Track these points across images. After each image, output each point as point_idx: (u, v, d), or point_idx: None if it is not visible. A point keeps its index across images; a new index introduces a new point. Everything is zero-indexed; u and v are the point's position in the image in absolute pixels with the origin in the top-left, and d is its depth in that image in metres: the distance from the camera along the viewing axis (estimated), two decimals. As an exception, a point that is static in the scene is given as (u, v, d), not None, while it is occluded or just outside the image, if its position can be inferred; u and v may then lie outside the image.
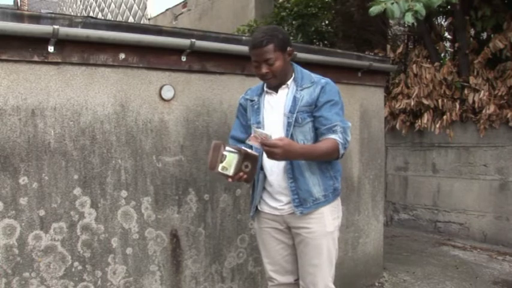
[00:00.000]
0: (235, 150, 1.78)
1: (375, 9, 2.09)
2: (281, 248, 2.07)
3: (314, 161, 1.91)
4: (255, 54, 1.89)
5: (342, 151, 1.86)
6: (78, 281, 2.13)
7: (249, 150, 1.85)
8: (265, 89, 2.03)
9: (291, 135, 1.92)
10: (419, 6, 2.04)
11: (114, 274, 2.23)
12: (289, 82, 1.97)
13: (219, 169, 1.78)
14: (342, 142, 1.85)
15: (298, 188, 1.93)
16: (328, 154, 1.85)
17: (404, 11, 2.05)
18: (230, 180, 1.82)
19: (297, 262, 2.04)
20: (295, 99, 1.93)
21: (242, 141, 2.05)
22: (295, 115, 1.91)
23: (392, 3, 2.06)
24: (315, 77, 1.99)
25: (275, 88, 1.98)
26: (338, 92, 1.96)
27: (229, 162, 1.77)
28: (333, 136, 1.85)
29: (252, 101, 2.06)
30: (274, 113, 1.98)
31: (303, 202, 1.93)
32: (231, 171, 1.78)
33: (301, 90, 1.94)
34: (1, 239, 1.95)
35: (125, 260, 2.25)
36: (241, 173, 1.80)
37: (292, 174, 1.94)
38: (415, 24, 2.16)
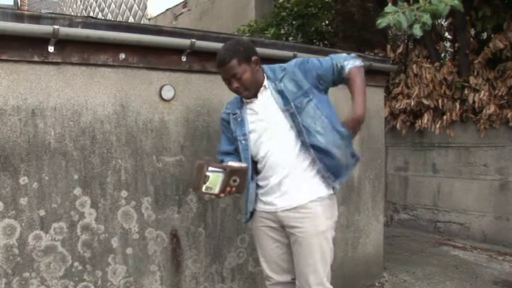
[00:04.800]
0: (220, 169, 1.81)
1: (382, 22, 2.08)
2: (276, 246, 2.08)
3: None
4: (221, 71, 1.95)
5: (359, 63, 2.00)
6: (79, 281, 2.13)
7: (236, 165, 1.88)
8: (244, 100, 2.05)
9: (300, 122, 1.93)
10: (426, 17, 2.03)
11: (114, 274, 2.23)
12: (265, 83, 1.99)
13: (203, 189, 1.82)
14: (352, 61, 1.98)
15: (330, 166, 1.97)
16: (363, 79, 1.99)
17: (411, 21, 2.05)
18: (215, 197, 1.88)
19: (293, 261, 2.04)
20: (281, 92, 1.96)
21: (232, 154, 2.08)
22: (293, 104, 1.94)
23: (398, 15, 2.05)
24: (282, 65, 2.04)
25: (254, 95, 2.00)
26: (307, 58, 2.05)
27: (214, 181, 1.81)
28: (346, 71, 1.97)
29: (234, 114, 2.07)
30: (265, 115, 1.99)
31: (338, 175, 2.01)
32: (216, 190, 1.82)
33: (280, 82, 1.97)
34: (1, 239, 1.95)
35: (125, 260, 2.25)
36: (228, 188, 1.85)
37: (318, 155, 1.95)
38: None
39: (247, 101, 2.03)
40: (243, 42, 2.02)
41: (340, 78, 2.00)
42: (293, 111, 1.93)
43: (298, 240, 1.97)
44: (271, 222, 2.05)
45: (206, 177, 1.80)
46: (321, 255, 1.97)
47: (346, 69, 1.96)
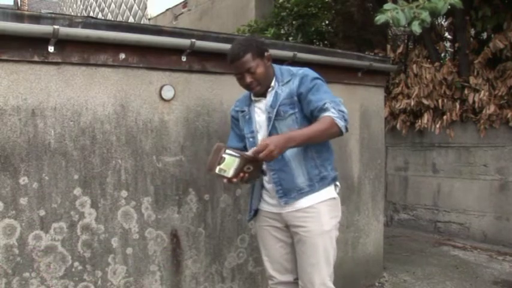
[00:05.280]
0: (237, 155, 1.79)
1: (380, 19, 2.08)
2: (280, 246, 2.08)
3: (315, 142, 1.88)
4: (235, 67, 1.92)
5: (341, 123, 1.82)
6: (78, 281, 2.13)
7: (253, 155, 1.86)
8: (252, 98, 2.05)
9: (276, 129, 1.94)
10: (425, 15, 2.03)
11: (114, 274, 2.23)
12: (273, 83, 1.99)
13: (216, 171, 1.79)
14: (337, 115, 1.81)
15: (282, 179, 1.96)
16: (324, 131, 1.81)
17: (410, 19, 2.05)
18: (227, 181, 1.83)
19: (296, 261, 2.05)
20: (276, 95, 1.96)
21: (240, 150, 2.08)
22: (275, 109, 1.94)
23: (397, 12, 2.05)
24: (294, 69, 2.02)
25: (263, 94, 2.00)
26: (318, 77, 1.96)
27: (228, 164, 1.78)
28: (324, 114, 1.83)
29: (242, 111, 2.09)
30: (263, 115, 2.01)
31: (287, 192, 1.96)
32: (229, 173, 1.79)
33: (283, 85, 1.97)
34: (1, 239, 1.94)
35: (125, 260, 2.25)
36: (241, 174, 1.82)
37: (275, 167, 1.96)
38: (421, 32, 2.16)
39: (256, 99, 2.03)
40: (255, 38, 2.04)
41: (314, 115, 1.89)
42: (271, 115, 1.95)
43: (303, 240, 1.97)
44: (276, 222, 2.05)
45: (222, 159, 1.77)
46: (325, 255, 1.97)
47: (323, 114, 1.83)
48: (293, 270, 2.08)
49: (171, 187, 2.39)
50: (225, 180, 1.84)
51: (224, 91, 2.56)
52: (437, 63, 4.93)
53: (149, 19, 10.02)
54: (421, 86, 4.94)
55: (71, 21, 2.06)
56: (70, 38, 2.02)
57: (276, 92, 1.97)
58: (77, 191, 2.13)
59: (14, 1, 19.17)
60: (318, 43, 6.27)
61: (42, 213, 2.04)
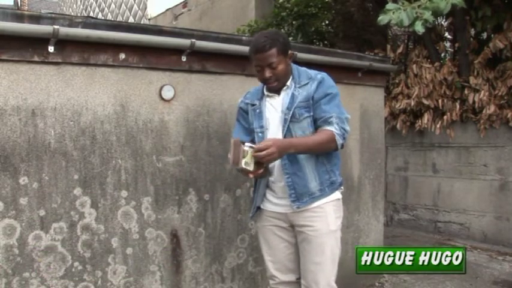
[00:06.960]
0: (254, 146, 1.79)
1: (383, 19, 2.09)
2: (284, 246, 2.08)
3: (312, 152, 1.91)
4: (258, 58, 1.90)
5: (340, 141, 1.88)
6: (78, 281, 2.13)
7: None
8: (265, 92, 2.04)
9: (290, 131, 1.94)
10: (428, 15, 2.03)
11: (115, 274, 2.23)
12: (289, 83, 1.99)
13: (243, 164, 1.77)
14: (339, 132, 1.87)
15: (296, 183, 1.95)
16: (323, 144, 1.87)
17: (412, 19, 2.05)
18: (251, 175, 1.82)
19: (299, 261, 2.05)
20: (293, 97, 1.96)
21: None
22: (291, 111, 1.93)
23: (400, 12, 2.05)
24: (312, 72, 2.01)
25: (277, 91, 1.99)
26: (334, 86, 1.98)
27: (250, 157, 1.78)
28: (328, 127, 1.88)
29: (253, 105, 2.07)
30: (276, 114, 2.00)
31: (300, 197, 1.96)
32: (251, 166, 1.78)
33: (300, 87, 1.97)
34: (1, 239, 1.94)
35: (125, 260, 2.25)
36: (258, 168, 1.81)
37: (289, 170, 1.95)
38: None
39: (270, 94, 2.02)
40: (282, 34, 2.03)
41: (317, 124, 1.93)
42: (287, 117, 1.94)
43: (308, 239, 1.96)
44: (281, 222, 2.05)
45: (245, 152, 1.76)
46: (331, 255, 1.97)
47: (327, 127, 1.88)
48: (295, 270, 2.08)
49: (171, 187, 2.39)
50: (250, 174, 1.83)
51: (224, 91, 2.56)
52: (437, 63, 4.93)
53: (149, 19, 10.02)
54: (421, 86, 4.94)
55: (71, 21, 2.06)
56: (70, 38, 2.02)
57: (293, 93, 1.96)
58: (77, 191, 2.13)
59: (14, 1, 19.17)
60: (318, 43, 6.27)
61: (42, 213, 2.04)
